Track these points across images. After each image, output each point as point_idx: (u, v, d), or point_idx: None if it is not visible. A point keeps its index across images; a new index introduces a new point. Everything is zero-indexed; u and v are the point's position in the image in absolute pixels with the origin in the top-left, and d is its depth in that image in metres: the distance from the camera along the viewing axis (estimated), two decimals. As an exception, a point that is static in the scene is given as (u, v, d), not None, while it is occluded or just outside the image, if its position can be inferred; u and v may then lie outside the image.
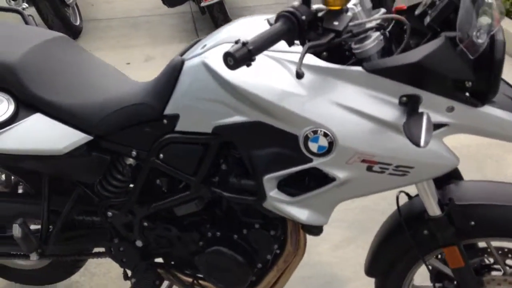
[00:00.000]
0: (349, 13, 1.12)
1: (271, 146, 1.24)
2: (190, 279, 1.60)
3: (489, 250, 1.39)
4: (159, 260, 1.66)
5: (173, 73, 1.28)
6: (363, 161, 1.17)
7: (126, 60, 3.93)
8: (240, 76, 1.18)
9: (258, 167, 1.26)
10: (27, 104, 1.45)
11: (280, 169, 1.24)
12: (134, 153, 1.41)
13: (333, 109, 1.14)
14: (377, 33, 1.14)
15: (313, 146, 1.17)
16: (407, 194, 1.40)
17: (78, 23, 4.49)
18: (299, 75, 1.01)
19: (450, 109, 1.12)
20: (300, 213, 1.29)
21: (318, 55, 1.16)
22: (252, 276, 1.50)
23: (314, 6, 1.07)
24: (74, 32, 4.35)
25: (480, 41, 1.06)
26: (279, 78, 1.18)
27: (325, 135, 1.15)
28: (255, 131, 1.23)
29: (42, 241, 1.63)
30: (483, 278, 1.41)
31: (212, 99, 1.24)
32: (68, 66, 1.54)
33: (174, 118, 1.31)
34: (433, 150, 1.14)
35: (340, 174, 1.19)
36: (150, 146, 1.37)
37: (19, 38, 1.58)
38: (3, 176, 1.79)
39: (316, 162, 1.19)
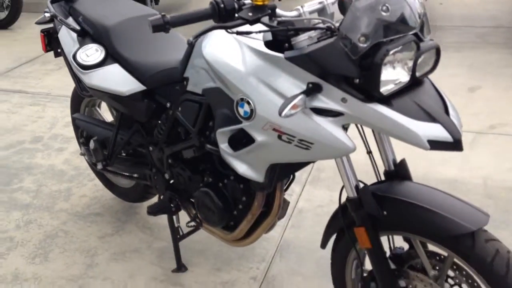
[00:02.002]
0: (294, 12, 1.34)
1: (223, 108, 1.54)
2: (194, 212, 1.96)
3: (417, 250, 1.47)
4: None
5: (189, 48, 1.65)
6: (274, 129, 1.41)
7: None
8: (212, 53, 1.52)
9: (215, 123, 1.58)
10: (111, 56, 1.95)
11: (225, 126, 1.54)
12: (168, 104, 1.82)
13: (257, 84, 1.40)
14: (314, 32, 1.34)
15: (241, 111, 1.45)
16: (363, 183, 1.51)
17: None
18: (189, 43, 1.41)
19: (344, 101, 1.29)
20: (239, 166, 1.57)
21: (274, 43, 1.40)
22: (230, 221, 1.81)
23: (246, 1, 1.30)
24: None
25: (362, 45, 1.22)
26: (233, 56, 1.46)
27: (248, 103, 1.43)
28: (217, 95, 1.55)
29: (107, 157, 2.18)
30: (408, 272, 1.50)
31: (202, 68, 1.59)
32: (146, 35, 1.97)
33: (187, 80, 1.68)
34: (330, 133, 1.32)
35: (258, 137, 1.45)
36: (176, 101, 1.74)
37: (121, 9, 2.10)
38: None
39: (243, 125, 1.47)
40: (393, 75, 1.30)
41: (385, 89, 1.28)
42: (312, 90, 1.31)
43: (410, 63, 1.31)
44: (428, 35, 1.36)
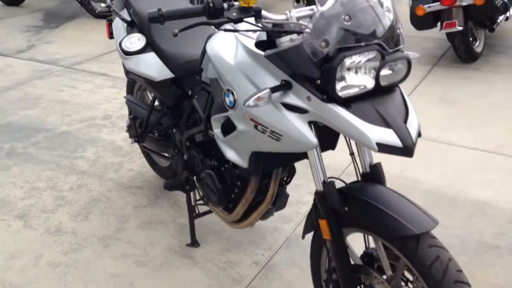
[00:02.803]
0: (281, 16, 1.45)
1: (218, 97, 1.74)
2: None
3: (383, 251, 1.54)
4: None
5: (205, 43, 1.85)
6: (251, 119, 1.57)
7: None
8: (213, 47, 1.72)
9: (212, 110, 1.80)
10: (150, 45, 2.21)
11: (217, 113, 1.75)
12: (190, 92, 2.08)
13: (241, 77, 1.58)
14: (297, 35, 1.43)
15: (227, 100, 1.64)
16: (343, 181, 1.67)
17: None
18: (174, 35, 1.45)
19: (309, 99, 1.43)
20: (228, 151, 1.77)
21: (267, 43, 1.54)
22: (229, 203, 2.00)
23: (236, 3, 1.45)
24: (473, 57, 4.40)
25: (322, 50, 1.35)
26: (228, 51, 1.65)
27: (232, 93, 1.60)
28: (215, 85, 1.74)
29: (139, 134, 2.51)
30: (367, 269, 1.58)
31: (208, 60, 1.78)
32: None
33: (202, 71, 1.89)
34: (297, 127, 1.47)
35: (239, 125, 1.64)
36: (194, 89, 2.00)
37: (168, 5, 2.21)
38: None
39: (229, 113, 1.66)
40: (356, 81, 1.41)
41: (346, 92, 1.40)
42: (282, 87, 1.47)
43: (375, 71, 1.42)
44: (399, 46, 1.46)
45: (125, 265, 2.28)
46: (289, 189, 2.74)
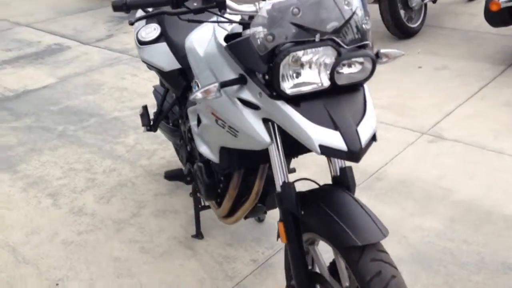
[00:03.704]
0: (249, 7, 1.37)
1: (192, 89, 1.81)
2: None
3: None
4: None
5: None
6: (212, 113, 1.56)
7: (420, 64, 4.20)
8: (190, 39, 1.75)
9: (187, 103, 1.88)
10: (163, 35, 2.24)
11: (190, 105, 1.81)
12: (193, 83, 2.03)
13: (206, 69, 1.57)
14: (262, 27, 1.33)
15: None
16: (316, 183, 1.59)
17: (416, 25, 4.82)
18: (129, 24, 1.50)
19: (260, 95, 1.37)
20: (200, 145, 1.80)
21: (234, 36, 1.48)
22: (217, 198, 1.98)
23: None
24: (407, 32, 4.73)
25: (268, 44, 1.29)
26: (202, 44, 1.65)
27: (198, 86, 1.63)
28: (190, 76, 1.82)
29: (151, 122, 2.58)
30: (323, 277, 1.51)
31: None
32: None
33: None
34: (251, 124, 1.42)
35: (203, 119, 1.65)
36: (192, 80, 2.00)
37: None
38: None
39: (196, 106, 1.71)
40: (311, 78, 1.32)
41: (296, 90, 1.31)
42: (235, 81, 1.41)
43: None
44: (362, 43, 1.33)
45: (129, 250, 2.35)
46: (302, 188, 2.65)
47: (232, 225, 2.17)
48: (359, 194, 2.60)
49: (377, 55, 1.51)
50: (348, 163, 1.55)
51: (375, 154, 2.93)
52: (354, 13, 1.33)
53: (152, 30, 2.27)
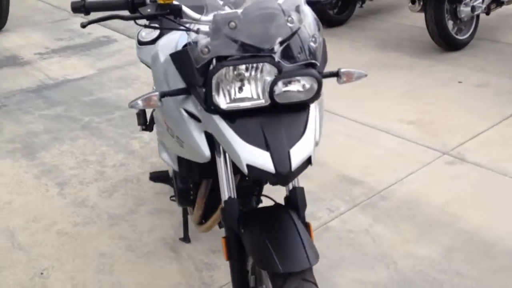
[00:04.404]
0: (207, 16, 1.35)
1: None
2: None
3: None
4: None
5: None
6: (164, 121, 1.57)
7: (461, 79, 4.00)
8: (158, 45, 1.75)
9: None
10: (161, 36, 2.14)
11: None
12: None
13: (162, 77, 1.58)
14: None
15: None
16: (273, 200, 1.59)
17: (464, 37, 4.57)
18: (81, 26, 1.45)
19: (200, 109, 1.35)
20: (161, 151, 1.84)
21: None
22: (190, 204, 1.95)
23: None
24: (453, 44, 4.49)
25: (203, 56, 1.26)
26: (166, 50, 1.63)
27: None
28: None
29: (147, 122, 2.63)
30: None
31: None
32: None
33: None
34: (194, 137, 1.41)
35: (158, 126, 1.73)
36: None
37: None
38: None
39: (154, 113, 1.78)
40: (249, 94, 1.27)
41: (233, 105, 1.27)
42: (181, 92, 1.38)
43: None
44: (306, 61, 1.27)
45: (116, 247, 2.37)
46: (309, 201, 2.57)
47: (202, 233, 2.13)
48: (360, 210, 2.51)
49: (337, 74, 1.44)
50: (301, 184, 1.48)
51: (386, 171, 2.82)
52: (297, 31, 1.27)
53: (151, 31, 2.28)
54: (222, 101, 1.27)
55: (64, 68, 4.81)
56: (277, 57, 1.26)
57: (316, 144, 1.45)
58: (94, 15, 1.44)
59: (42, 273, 2.24)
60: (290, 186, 1.47)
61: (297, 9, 1.29)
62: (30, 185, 2.91)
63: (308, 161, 1.27)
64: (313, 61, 1.29)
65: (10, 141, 3.43)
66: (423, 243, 2.28)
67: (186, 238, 2.37)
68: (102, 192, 2.81)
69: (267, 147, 1.22)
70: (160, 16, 1.40)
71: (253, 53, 1.24)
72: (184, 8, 1.40)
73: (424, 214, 2.47)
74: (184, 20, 1.39)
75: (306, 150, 1.25)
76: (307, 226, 1.46)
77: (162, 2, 1.40)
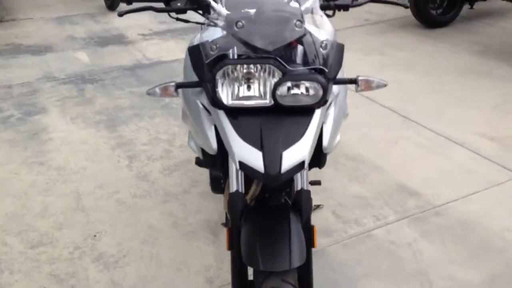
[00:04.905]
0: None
1: None
2: None
3: None
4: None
5: None
6: (186, 110, 1.60)
7: None
8: (193, 37, 1.78)
9: None
10: None
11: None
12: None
13: (190, 68, 1.49)
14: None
15: None
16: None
17: None
18: (118, 15, 1.59)
19: (208, 103, 1.39)
20: (190, 140, 1.81)
21: None
22: (222, 192, 1.96)
23: None
24: None
25: (211, 52, 1.32)
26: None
27: None
28: None
29: None
30: None
31: None
32: None
33: None
34: (205, 128, 1.44)
35: (184, 116, 1.76)
36: None
37: None
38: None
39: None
40: (254, 92, 1.29)
41: (238, 103, 1.31)
42: (195, 85, 1.43)
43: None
44: (312, 66, 1.26)
45: (164, 222, 2.52)
46: (358, 206, 2.53)
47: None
48: (409, 223, 2.42)
49: (355, 81, 1.41)
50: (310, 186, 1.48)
51: (449, 186, 2.68)
52: (304, 35, 1.27)
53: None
54: (227, 98, 1.31)
55: (161, 49, 5.10)
56: (283, 60, 1.27)
57: (326, 149, 1.44)
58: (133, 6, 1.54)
59: (95, 236, 2.44)
60: (299, 186, 1.47)
61: (308, 13, 1.29)
62: (105, 155, 3.16)
63: (301, 165, 1.27)
64: (321, 66, 1.28)
65: (98, 113, 3.74)
66: (468, 267, 2.14)
67: (226, 224, 2.44)
68: (164, 169, 2.98)
69: (261, 147, 1.25)
70: (189, 10, 1.46)
71: (257, 54, 1.26)
72: (213, 4, 1.45)
73: (477, 237, 2.32)
74: (212, 15, 1.44)
75: (300, 154, 1.26)
76: (309, 229, 1.46)
77: None
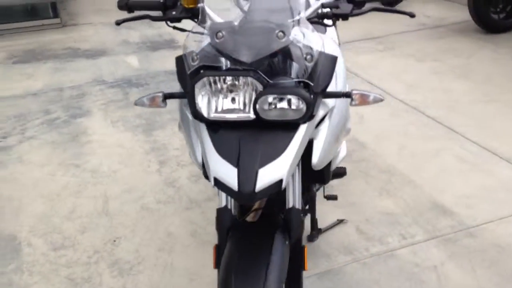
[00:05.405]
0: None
1: None
2: None
3: None
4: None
5: None
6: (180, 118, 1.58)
7: None
8: None
9: None
10: None
11: None
12: None
13: None
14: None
15: None
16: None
17: None
18: (116, 24, 1.59)
19: None
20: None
21: None
22: None
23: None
24: None
25: (191, 63, 1.28)
26: None
27: None
28: None
29: None
30: None
31: None
32: None
33: None
34: (192, 139, 1.43)
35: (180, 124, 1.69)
36: None
37: None
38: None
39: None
40: (238, 105, 1.24)
41: (219, 116, 1.27)
42: (182, 95, 1.40)
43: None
44: (296, 79, 1.19)
45: (183, 230, 2.50)
46: (384, 222, 2.39)
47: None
48: (437, 244, 2.25)
49: (349, 95, 1.31)
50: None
51: (488, 206, 2.48)
52: (285, 47, 1.19)
53: None
54: (208, 110, 1.26)
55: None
56: (267, 72, 1.20)
57: (315, 167, 1.37)
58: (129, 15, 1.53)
59: (114, 241, 2.47)
60: (290, 204, 1.39)
61: (293, 25, 1.22)
62: (138, 159, 3.20)
63: (278, 184, 1.19)
64: (305, 80, 1.20)
65: (138, 116, 3.80)
66: (496, 296, 1.96)
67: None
68: (191, 176, 2.97)
69: (237, 164, 1.19)
70: (183, 19, 1.43)
71: (236, 66, 1.21)
72: (208, 11, 1.41)
73: (511, 263, 2.12)
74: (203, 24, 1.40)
75: (278, 173, 1.18)
76: (299, 250, 1.38)
77: (186, 6, 1.43)
